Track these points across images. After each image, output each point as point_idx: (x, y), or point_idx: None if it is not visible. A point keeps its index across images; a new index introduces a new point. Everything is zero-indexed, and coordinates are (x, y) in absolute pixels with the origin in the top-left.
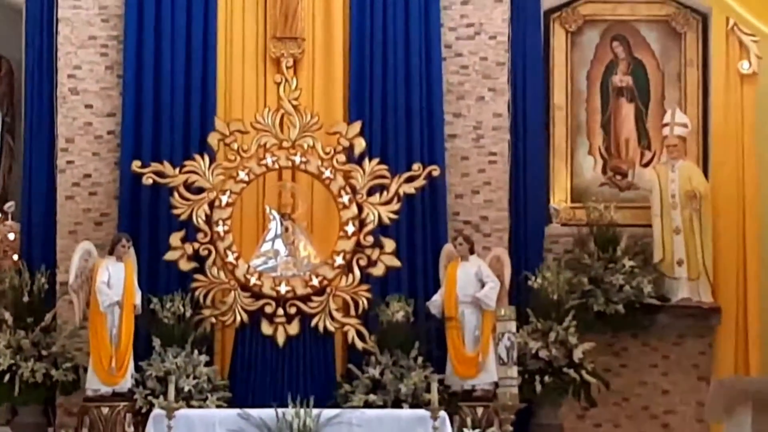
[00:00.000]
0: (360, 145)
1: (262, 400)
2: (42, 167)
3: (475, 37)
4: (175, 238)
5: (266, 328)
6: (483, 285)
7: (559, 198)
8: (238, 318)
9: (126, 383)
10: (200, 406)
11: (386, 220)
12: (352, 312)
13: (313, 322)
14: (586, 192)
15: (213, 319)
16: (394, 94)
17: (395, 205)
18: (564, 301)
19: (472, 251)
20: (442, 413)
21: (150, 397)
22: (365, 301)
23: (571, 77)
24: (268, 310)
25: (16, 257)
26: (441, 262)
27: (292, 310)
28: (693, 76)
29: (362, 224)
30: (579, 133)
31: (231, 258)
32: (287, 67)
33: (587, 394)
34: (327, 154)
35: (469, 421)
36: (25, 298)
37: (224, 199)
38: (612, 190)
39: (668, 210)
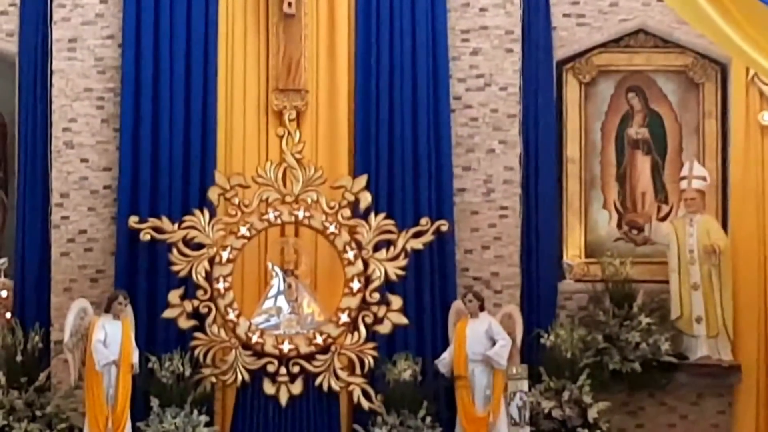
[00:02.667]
0: (366, 199)
1: None
2: (36, 223)
3: (486, 89)
4: (173, 296)
5: (268, 388)
6: (494, 343)
7: (572, 253)
8: (239, 377)
9: None
10: None
11: (393, 277)
12: (358, 371)
13: (317, 381)
14: (600, 247)
15: (213, 379)
16: (401, 147)
17: (402, 261)
18: (578, 360)
19: (482, 308)
20: None
21: None
22: (371, 360)
23: (585, 129)
24: (271, 369)
25: (9, 315)
26: (450, 320)
27: (296, 369)
28: (712, 127)
29: (368, 281)
30: (593, 187)
31: (232, 316)
32: (290, 120)
33: None
34: (331, 208)
35: None
36: (19, 357)
37: (225, 255)
38: (627, 245)
39: (686, 265)
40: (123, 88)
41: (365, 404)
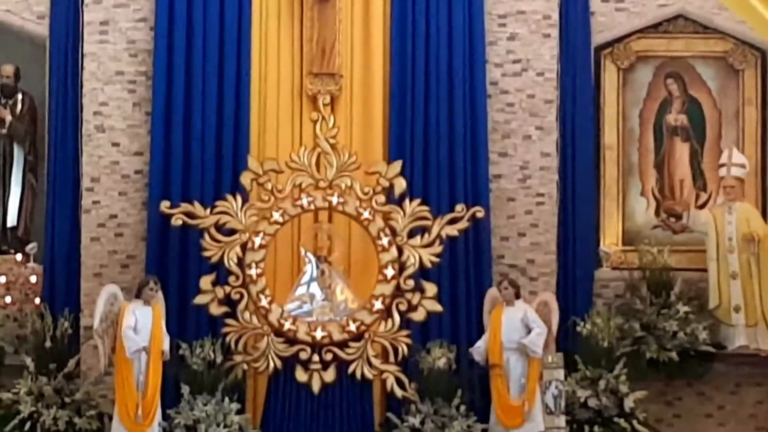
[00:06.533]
0: (400, 185)
1: None
2: (66, 207)
3: (522, 74)
4: (205, 282)
5: (301, 375)
6: (529, 331)
7: (609, 241)
8: (272, 364)
9: None
10: None
11: (428, 264)
12: (392, 359)
13: (350, 369)
14: (638, 235)
15: (245, 366)
16: (436, 133)
17: (437, 248)
18: (614, 348)
19: (517, 296)
20: None
21: None
22: (405, 348)
23: (623, 116)
24: (303, 356)
25: (38, 301)
26: (485, 307)
27: (329, 357)
28: (751, 114)
29: (402, 267)
30: (631, 174)
31: (264, 302)
32: (324, 105)
33: None
34: (365, 194)
35: None
36: (48, 343)
37: (257, 240)
38: (665, 233)
39: (725, 254)
40: (155, 71)
41: (399, 392)
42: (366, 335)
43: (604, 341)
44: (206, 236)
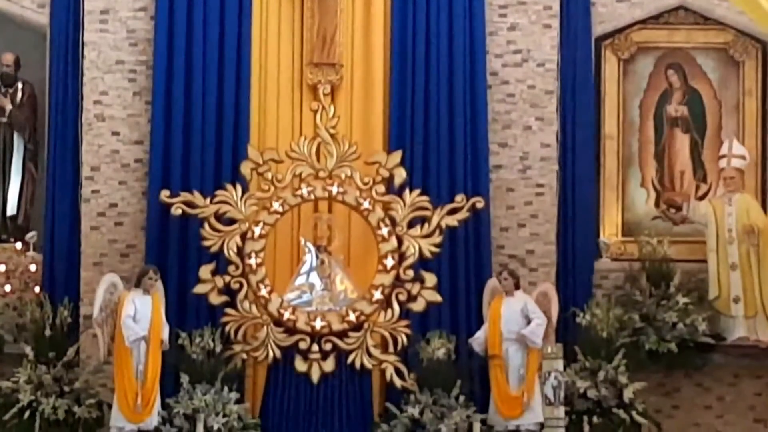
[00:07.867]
0: (400, 175)
1: None
2: (66, 196)
3: (523, 65)
4: (204, 271)
5: (300, 365)
6: (529, 321)
7: (609, 232)
8: (271, 354)
9: (152, 421)
10: None
11: (427, 254)
12: (391, 349)
13: (350, 358)
14: (638, 225)
15: (244, 355)
16: (436, 123)
17: (437, 238)
18: (614, 339)
19: (517, 286)
20: None
21: None
22: (404, 338)
23: (623, 106)
24: (303, 346)
25: (37, 289)
26: (484, 298)
27: (328, 347)
28: (751, 106)
29: (402, 258)
30: (631, 165)
31: (264, 292)
32: (324, 94)
33: None
34: (365, 184)
35: None
36: (47, 332)
37: (257, 230)
38: (665, 224)
39: (724, 245)
40: (155, 60)
41: (398, 382)
42: (365, 325)
43: (603, 332)
44: (206, 226)
